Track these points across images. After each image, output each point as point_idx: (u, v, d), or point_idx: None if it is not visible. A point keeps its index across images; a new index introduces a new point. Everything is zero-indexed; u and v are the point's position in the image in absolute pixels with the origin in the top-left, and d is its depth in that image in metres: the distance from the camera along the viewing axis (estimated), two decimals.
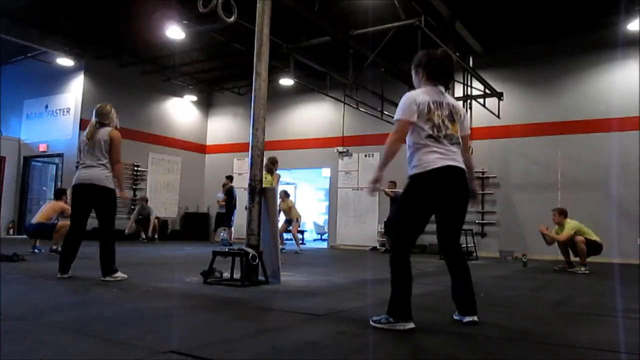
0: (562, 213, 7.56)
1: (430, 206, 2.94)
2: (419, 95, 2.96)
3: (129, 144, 13.96)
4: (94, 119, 4.86)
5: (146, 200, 13.50)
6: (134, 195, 13.99)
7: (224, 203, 12.31)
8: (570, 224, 7.38)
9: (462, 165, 2.97)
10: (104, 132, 4.79)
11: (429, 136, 2.89)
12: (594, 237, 7.35)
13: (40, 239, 7.66)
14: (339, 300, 3.98)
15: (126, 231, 12.28)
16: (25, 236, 8.94)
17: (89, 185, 4.69)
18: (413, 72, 3.14)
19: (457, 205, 3.00)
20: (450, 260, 3.04)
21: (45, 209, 7.66)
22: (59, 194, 7.93)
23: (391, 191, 12.04)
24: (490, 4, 9.76)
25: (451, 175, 2.89)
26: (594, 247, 7.29)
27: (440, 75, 3.05)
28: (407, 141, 2.98)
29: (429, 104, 2.92)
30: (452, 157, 2.92)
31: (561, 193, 10.38)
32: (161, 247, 10.86)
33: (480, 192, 11.84)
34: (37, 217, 7.55)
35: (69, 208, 7.06)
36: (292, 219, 10.71)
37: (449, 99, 3.06)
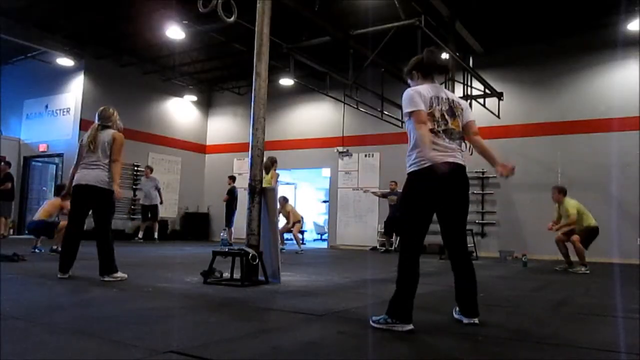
0: (562, 191, 7.48)
1: (430, 203, 2.92)
2: (421, 89, 2.97)
3: (129, 144, 13.76)
4: (96, 122, 4.89)
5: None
6: (134, 195, 13.98)
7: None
8: (571, 203, 7.32)
9: (462, 162, 2.98)
10: (107, 134, 4.83)
11: (430, 130, 2.88)
12: (590, 220, 7.31)
13: (42, 237, 7.68)
14: (339, 300, 3.98)
15: (140, 234, 12.40)
16: (25, 236, 8.94)
17: (87, 187, 4.71)
18: (409, 80, 3.17)
19: (457, 202, 2.99)
20: (456, 260, 3.02)
21: (45, 206, 7.67)
22: (59, 190, 7.93)
23: (380, 192, 12.11)
24: (490, 4, 9.76)
25: (450, 172, 2.86)
26: (591, 234, 7.27)
27: (433, 68, 3.08)
28: (410, 135, 2.96)
29: (431, 99, 2.94)
30: (451, 153, 2.92)
31: None
32: (161, 247, 10.85)
33: (480, 192, 11.85)
34: (38, 215, 7.57)
35: (69, 205, 7.13)
36: (294, 221, 10.70)
37: (448, 93, 3.07)
